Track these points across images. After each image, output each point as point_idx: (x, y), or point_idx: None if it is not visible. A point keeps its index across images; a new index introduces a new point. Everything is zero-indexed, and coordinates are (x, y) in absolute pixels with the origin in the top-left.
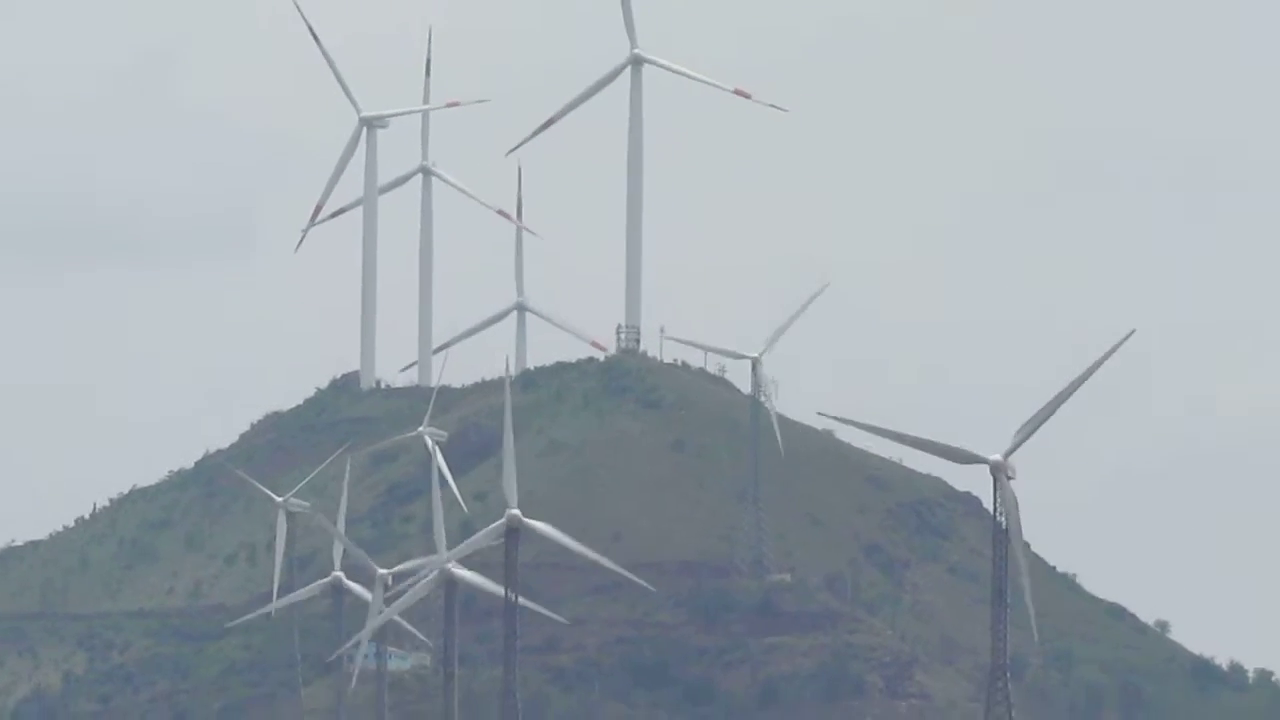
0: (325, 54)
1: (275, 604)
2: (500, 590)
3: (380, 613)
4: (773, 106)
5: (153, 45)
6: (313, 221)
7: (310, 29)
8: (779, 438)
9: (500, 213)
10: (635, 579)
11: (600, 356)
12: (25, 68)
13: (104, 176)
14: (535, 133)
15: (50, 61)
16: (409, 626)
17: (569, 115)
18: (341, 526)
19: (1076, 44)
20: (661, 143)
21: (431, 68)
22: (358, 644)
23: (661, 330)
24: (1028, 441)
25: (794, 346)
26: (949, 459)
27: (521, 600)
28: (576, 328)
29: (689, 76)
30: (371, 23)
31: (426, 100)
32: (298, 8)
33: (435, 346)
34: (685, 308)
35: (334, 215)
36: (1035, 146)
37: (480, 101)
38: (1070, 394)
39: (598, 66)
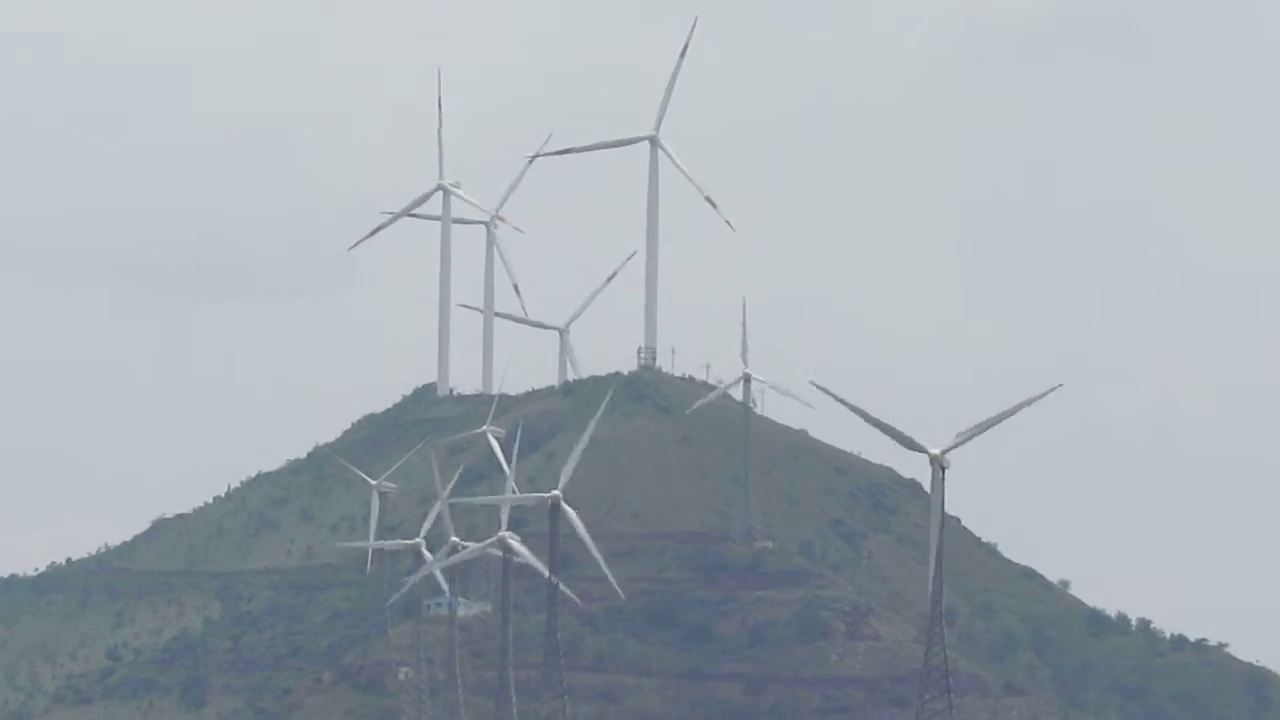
0: (440, 127)
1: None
2: (534, 563)
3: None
4: (726, 223)
5: (270, 115)
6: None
7: (439, 105)
8: (763, 435)
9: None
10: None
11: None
12: (164, 131)
13: (231, 225)
14: (556, 152)
15: (183, 126)
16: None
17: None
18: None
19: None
20: (672, 200)
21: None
22: (418, 581)
23: (673, 351)
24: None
25: (777, 363)
26: (901, 443)
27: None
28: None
29: (682, 170)
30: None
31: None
32: (438, 103)
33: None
34: (692, 332)
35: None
36: (988, 199)
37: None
38: (1003, 419)
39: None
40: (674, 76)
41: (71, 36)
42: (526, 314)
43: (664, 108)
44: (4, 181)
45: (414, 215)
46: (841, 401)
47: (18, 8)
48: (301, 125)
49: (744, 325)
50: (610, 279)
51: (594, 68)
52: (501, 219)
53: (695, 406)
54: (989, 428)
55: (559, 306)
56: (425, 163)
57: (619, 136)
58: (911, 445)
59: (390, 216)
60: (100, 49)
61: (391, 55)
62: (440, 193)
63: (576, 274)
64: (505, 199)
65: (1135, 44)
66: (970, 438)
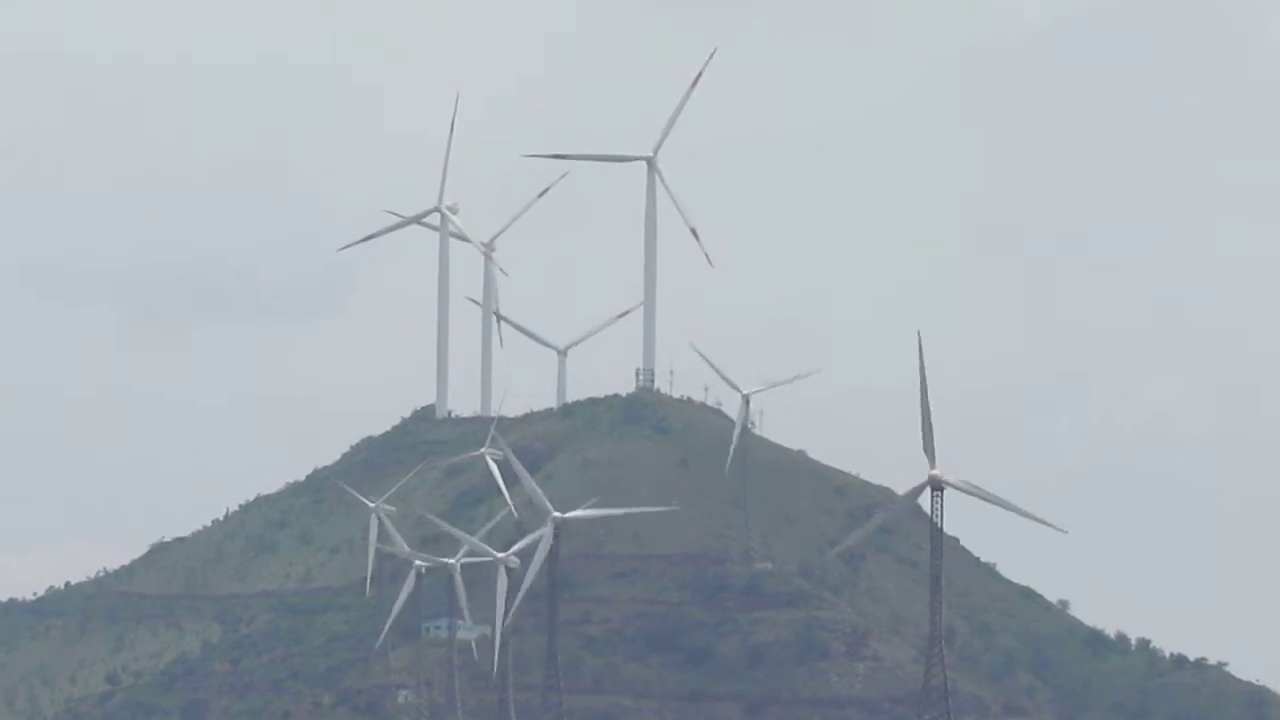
0: (448, 151)
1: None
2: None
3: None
4: (705, 256)
5: (269, 136)
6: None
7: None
8: (762, 457)
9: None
10: None
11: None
12: (162, 152)
13: (230, 246)
14: (551, 155)
15: (181, 147)
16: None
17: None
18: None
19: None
20: (669, 225)
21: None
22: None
23: (671, 373)
24: (959, 457)
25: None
26: (924, 441)
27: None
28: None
29: (671, 197)
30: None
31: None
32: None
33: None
34: (690, 355)
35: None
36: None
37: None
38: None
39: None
40: (682, 103)
41: (67, 56)
42: (524, 326)
43: (666, 132)
44: (2, 202)
45: (412, 223)
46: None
47: (17, 26)
48: (301, 146)
49: (709, 362)
50: (622, 315)
51: (600, 85)
52: (490, 255)
53: (730, 457)
54: (977, 493)
55: (558, 326)
56: (425, 184)
57: (617, 152)
58: (930, 450)
59: (388, 224)
60: (94, 68)
61: (392, 77)
62: (438, 215)
63: (576, 295)
64: (504, 229)
65: (1132, 64)
66: (968, 492)
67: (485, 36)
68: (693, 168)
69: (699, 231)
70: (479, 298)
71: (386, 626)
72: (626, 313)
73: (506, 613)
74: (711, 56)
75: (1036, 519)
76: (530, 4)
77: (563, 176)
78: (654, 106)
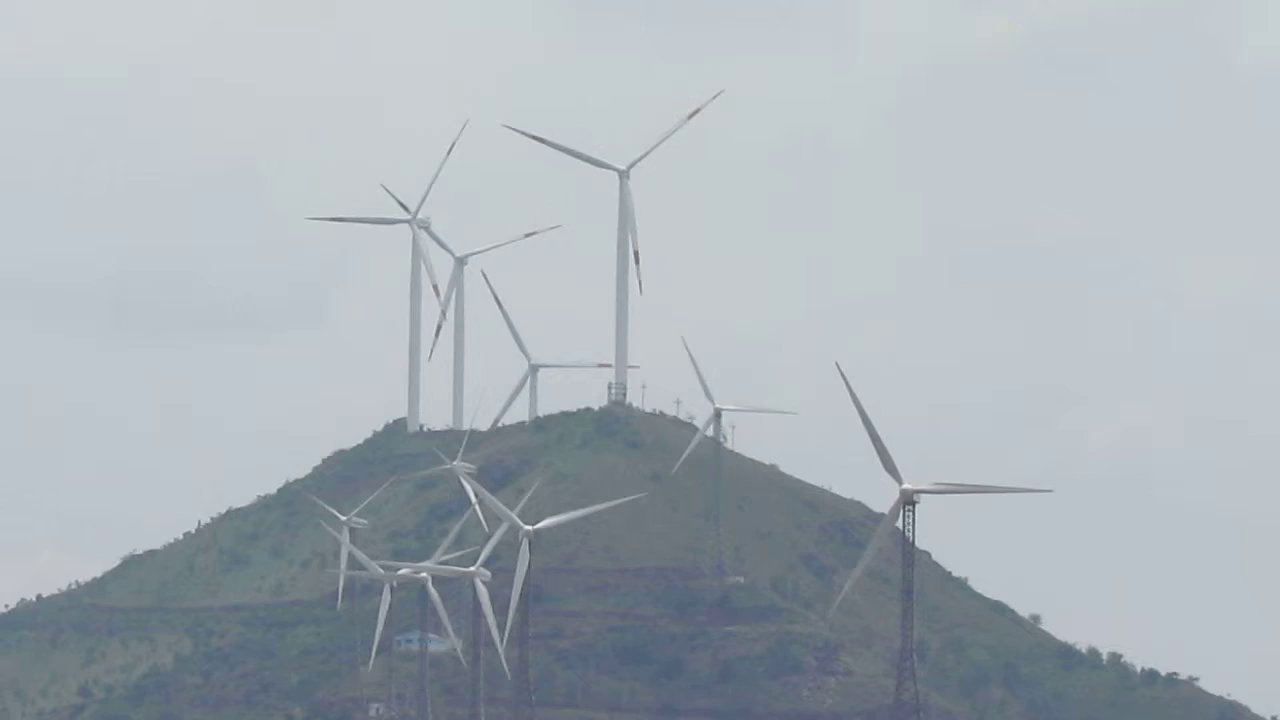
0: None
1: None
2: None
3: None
4: (639, 283)
5: (243, 150)
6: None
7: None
8: (734, 471)
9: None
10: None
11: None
12: (134, 167)
13: (202, 261)
14: (530, 136)
15: (154, 162)
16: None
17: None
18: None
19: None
20: (642, 238)
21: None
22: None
23: (643, 387)
24: (930, 473)
25: (746, 397)
26: (883, 462)
27: None
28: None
29: (630, 215)
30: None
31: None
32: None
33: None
34: (663, 368)
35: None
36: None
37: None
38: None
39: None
40: (672, 131)
41: (43, 74)
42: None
43: (646, 152)
44: None
45: (385, 222)
46: (856, 405)
47: None
48: (274, 161)
49: (694, 362)
50: (601, 366)
51: (582, 101)
52: (436, 292)
53: (680, 462)
54: (970, 491)
55: (530, 339)
56: (403, 197)
57: (595, 155)
58: (892, 468)
59: (363, 215)
60: (64, 81)
61: (371, 91)
62: (411, 227)
63: (547, 307)
64: (483, 251)
65: (1103, 82)
66: (945, 489)
67: (469, 49)
68: (665, 182)
69: (640, 256)
70: (445, 302)
71: (374, 647)
72: (606, 365)
73: (502, 634)
74: (715, 97)
75: (1019, 490)
76: (527, 12)
77: (553, 228)
78: (632, 118)
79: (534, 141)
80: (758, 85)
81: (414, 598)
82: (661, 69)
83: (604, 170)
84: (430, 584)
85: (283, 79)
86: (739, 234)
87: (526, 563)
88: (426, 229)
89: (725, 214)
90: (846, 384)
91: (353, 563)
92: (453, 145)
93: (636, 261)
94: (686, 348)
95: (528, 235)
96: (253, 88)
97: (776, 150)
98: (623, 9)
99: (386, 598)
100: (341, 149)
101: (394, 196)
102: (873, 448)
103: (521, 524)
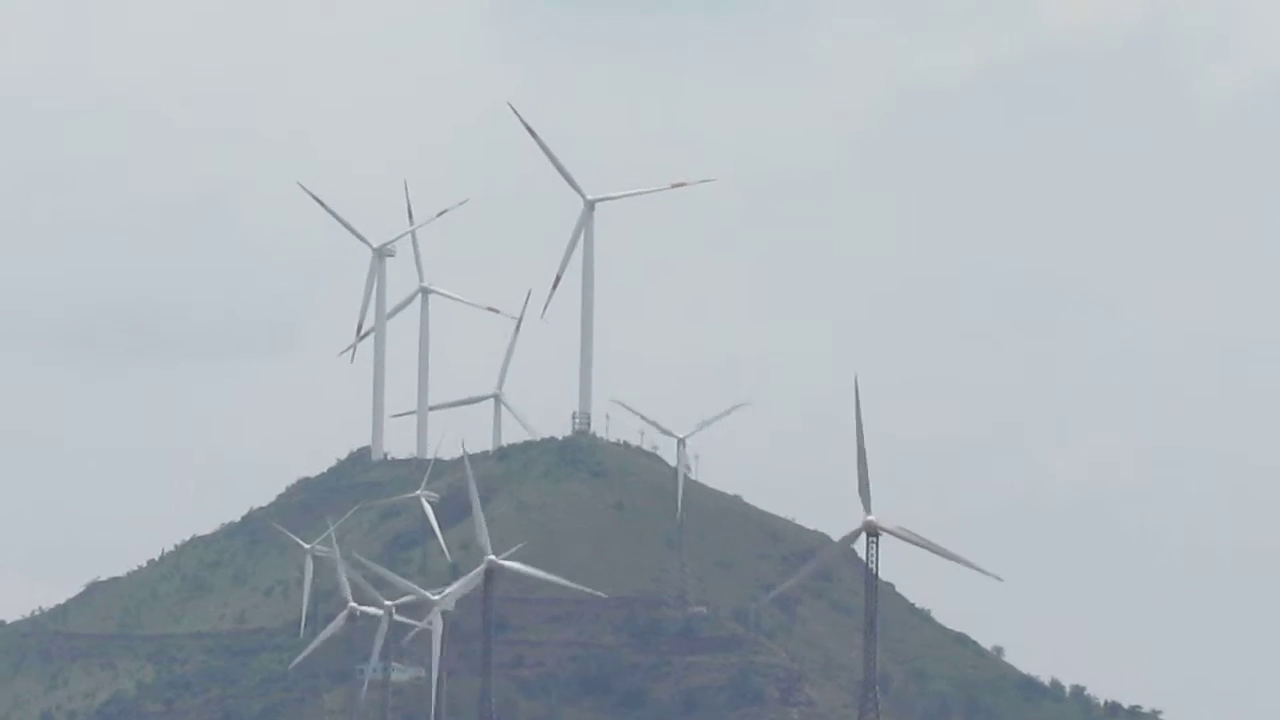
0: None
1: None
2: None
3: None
4: (704, 181)
5: (206, 178)
6: (359, 337)
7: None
8: (697, 501)
9: (489, 309)
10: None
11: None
12: (98, 193)
13: (165, 288)
14: (523, 124)
15: (117, 188)
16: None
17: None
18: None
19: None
20: (606, 265)
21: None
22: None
23: (607, 417)
24: (894, 504)
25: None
26: (860, 485)
27: None
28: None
29: (633, 194)
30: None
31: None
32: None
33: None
34: (626, 398)
35: (365, 334)
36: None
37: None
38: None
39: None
40: (650, 191)
41: (10, 99)
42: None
43: (619, 195)
44: None
45: (349, 232)
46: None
47: None
48: (237, 188)
49: (639, 414)
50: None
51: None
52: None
53: (679, 507)
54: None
55: (489, 369)
56: (362, 228)
57: (570, 172)
58: (865, 493)
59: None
60: (33, 110)
61: (330, 119)
62: (374, 256)
63: (506, 335)
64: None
65: (1069, 114)
66: (904, 539)
67: (446, 74)
68: (631, 208)
69: (560, 282)
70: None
71: (367, 674)
72: (585, 430)
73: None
74: (703, 181)
75: (972, 566)
76: (492, 38)
77: (462, 203)
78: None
79: (526, 134)
80: (717, 114)
81: (376, 626)
82: (623, 97)
83: (573, 195)
84: (393, 613)
85: (251, 111)
86: (704, 264)
87: (480, 588)
88: (392, 258)
89: (691, 244)
90: (856, 400)
91: (337, 587)
92: (444, 211)
93: (554, 286)
94: (624, 405)
95: (440, 214)
96: (221, 118)
97: (742, 181)
98: (585, 37)
99: (343, 624)
100: (309, 179)
101: (356, 233)
102: (856, 468)
103: (489, 550)
